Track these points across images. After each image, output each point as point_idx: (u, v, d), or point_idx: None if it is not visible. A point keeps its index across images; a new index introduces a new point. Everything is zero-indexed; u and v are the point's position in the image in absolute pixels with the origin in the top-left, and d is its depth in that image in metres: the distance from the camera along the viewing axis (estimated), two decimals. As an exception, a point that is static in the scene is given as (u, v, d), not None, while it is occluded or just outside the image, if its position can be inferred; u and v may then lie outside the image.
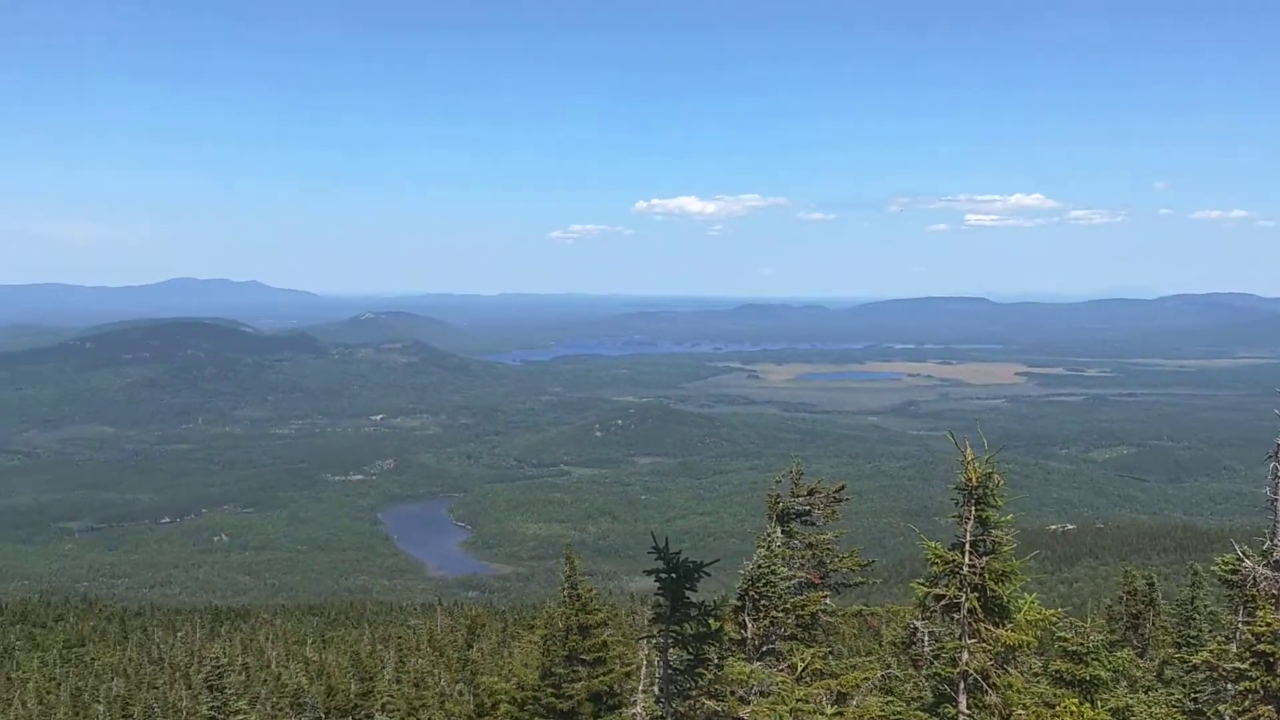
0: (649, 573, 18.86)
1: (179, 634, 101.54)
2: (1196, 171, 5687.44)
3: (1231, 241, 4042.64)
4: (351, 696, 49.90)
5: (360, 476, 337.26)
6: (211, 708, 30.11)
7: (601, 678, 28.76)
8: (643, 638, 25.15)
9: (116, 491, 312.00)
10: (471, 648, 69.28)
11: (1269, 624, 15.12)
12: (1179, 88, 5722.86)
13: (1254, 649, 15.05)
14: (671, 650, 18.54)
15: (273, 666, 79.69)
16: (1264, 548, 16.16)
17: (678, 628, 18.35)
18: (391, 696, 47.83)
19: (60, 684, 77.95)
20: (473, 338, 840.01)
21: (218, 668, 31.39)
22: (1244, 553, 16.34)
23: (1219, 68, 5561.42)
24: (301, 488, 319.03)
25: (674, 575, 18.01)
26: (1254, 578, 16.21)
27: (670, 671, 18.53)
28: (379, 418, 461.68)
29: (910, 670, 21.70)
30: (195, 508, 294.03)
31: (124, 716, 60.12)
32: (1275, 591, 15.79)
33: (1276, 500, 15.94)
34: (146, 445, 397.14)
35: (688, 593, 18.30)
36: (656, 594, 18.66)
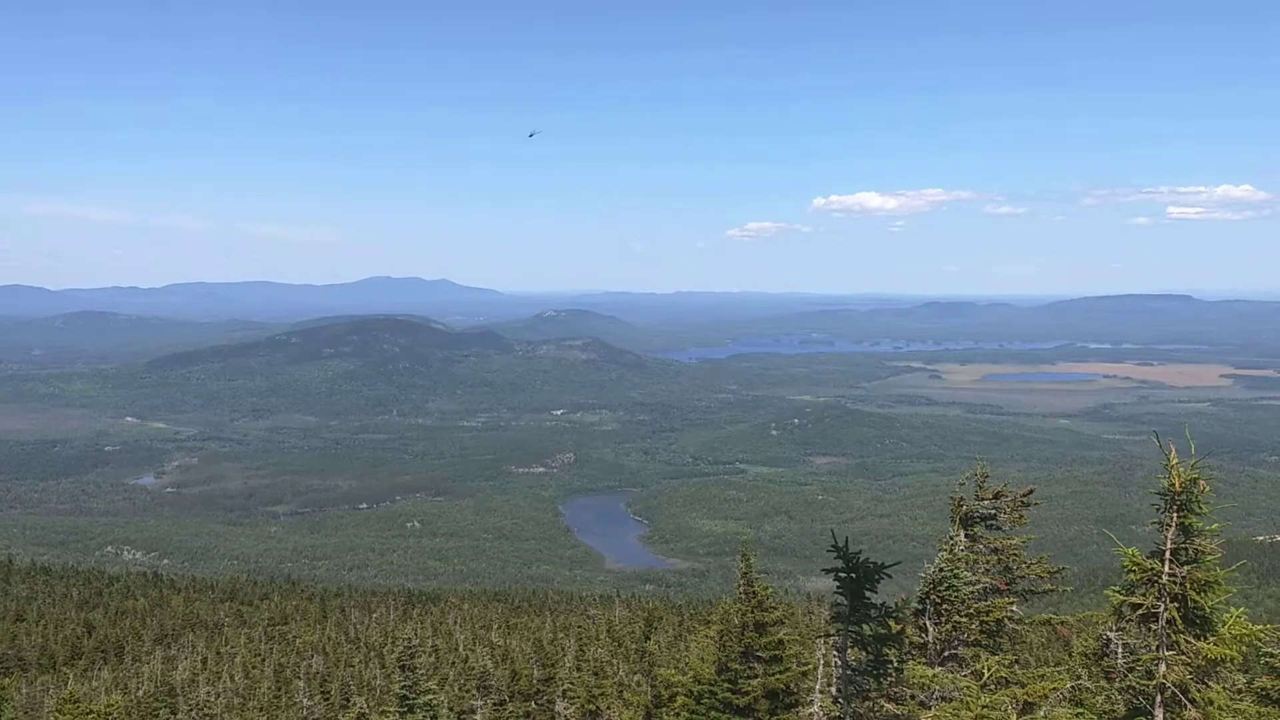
0: (828, 571, 18.89)
1: (374, 615, 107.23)
2: None
3: None
4: (534, 682, 51.51)
5: (542, 469, 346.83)
6: (403, 687, 31.13)
7: (778, 675, 28.83)
8: (820, 637, 25.11)
9: (318, 478, 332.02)
10: (649, 640, 70.22)
11: None
12: None
13: None
14: (850, 650, 18.50)
15: (460, 649, 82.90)
16: None
17: (857, 628, 18.29)
18: (572, 684, 48.96)
19: (265, 659, 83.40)
20: (650, 335, 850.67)
21: (410, 649, 32.23)
22: None
23: None
24: (488, 478, 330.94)
25: (854, 575, 17.98)
26: None
27: (849, 671, 18.50)
28: (560, 412, 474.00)
29: (1102, 682, 20.77)
30: (390, 495, 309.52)
31: (322, 693, 63.77)
32: None
33: None
34: (346, 435, 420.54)
35: (868, 593, 18.23)
36: (836, 593, 18.66)
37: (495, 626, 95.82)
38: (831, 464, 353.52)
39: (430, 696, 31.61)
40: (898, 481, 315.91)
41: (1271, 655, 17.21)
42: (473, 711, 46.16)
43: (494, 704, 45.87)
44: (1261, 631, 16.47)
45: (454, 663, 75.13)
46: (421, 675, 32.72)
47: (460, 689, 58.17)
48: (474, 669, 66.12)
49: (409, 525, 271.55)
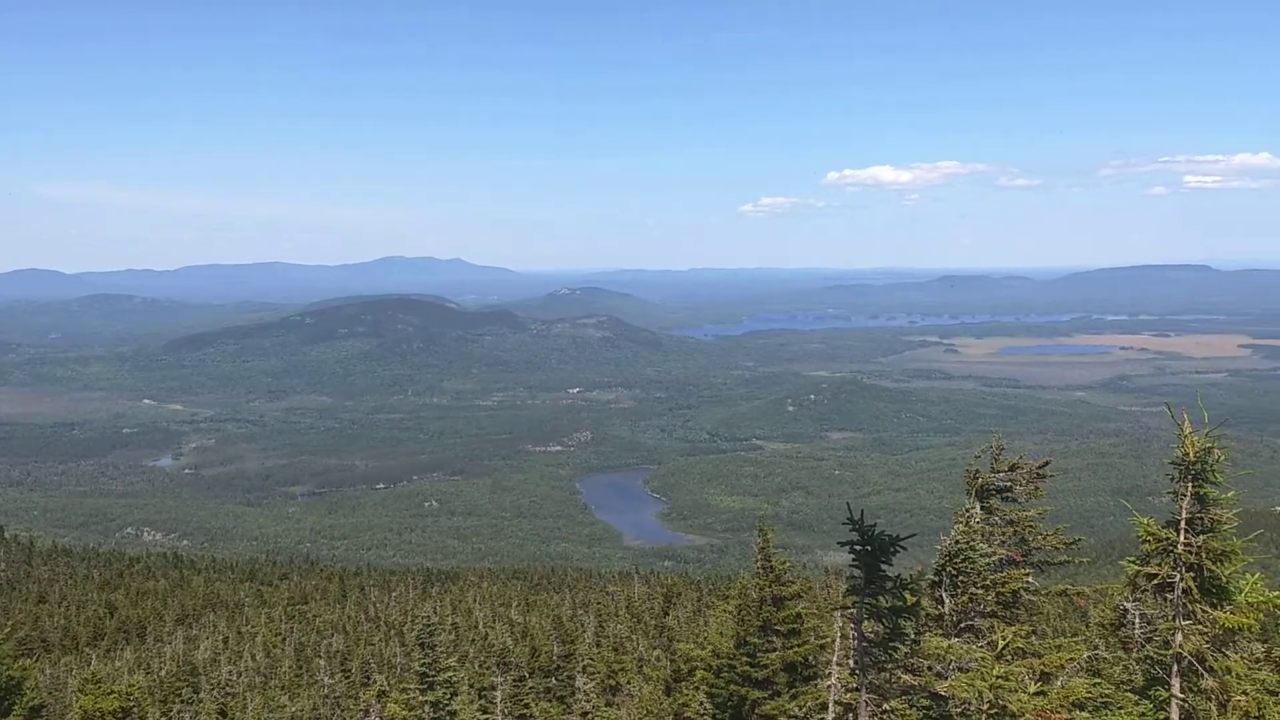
0: (844, 544, 18.90)
1: (393, 594, 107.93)
2: None
3: None
4: (554, 658, 51.85)
5: (559, 447, 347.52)
6: (423, 664, 31.36)
7: (796, 649, 28.96)
8: (837, 609, 25.17)
9: (335, 458, 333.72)
10: (668, 615, 70.56)
11: None
12: None
13: None
14: (866, 623, 18.55)
15: (480, 627, 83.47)
16: None
17: (873, 600, 18.33)
18: (592, 659, 49.27)
19: (285, 638, 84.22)
20: (665, 313, 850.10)
21: (429, 627, 32.41)
22: None
23: None
24: (504, 457, 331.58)
25: (869, 547, 18.00)
26: None
27: (865, 644, 18.56)
28: (575, 391, 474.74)
29: (1119, 652, 20.84)
30: (406, 474, 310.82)
31: (343, 671, 64.43)
32: None
33: None
34: (361, 415, 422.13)
35: (884, 566, 18.26)
36: (851, 566, 18.69)
37: (514, 604, 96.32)
38: (848, 439, 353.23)
39: (450, 673, 31.81)
40: (914, 455, 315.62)
41: (1291, 624, 17.23)
42: (493, 688, 46.46)
43: (514, 680, 46.18)
44: (1278, 598, 16.46)
45: (474, 640, 75.64)
46: (441, 653, 32.91)
47: (480, 666, 58.53)
48: (494, 646, 66.54)
49: (426, 505, 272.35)
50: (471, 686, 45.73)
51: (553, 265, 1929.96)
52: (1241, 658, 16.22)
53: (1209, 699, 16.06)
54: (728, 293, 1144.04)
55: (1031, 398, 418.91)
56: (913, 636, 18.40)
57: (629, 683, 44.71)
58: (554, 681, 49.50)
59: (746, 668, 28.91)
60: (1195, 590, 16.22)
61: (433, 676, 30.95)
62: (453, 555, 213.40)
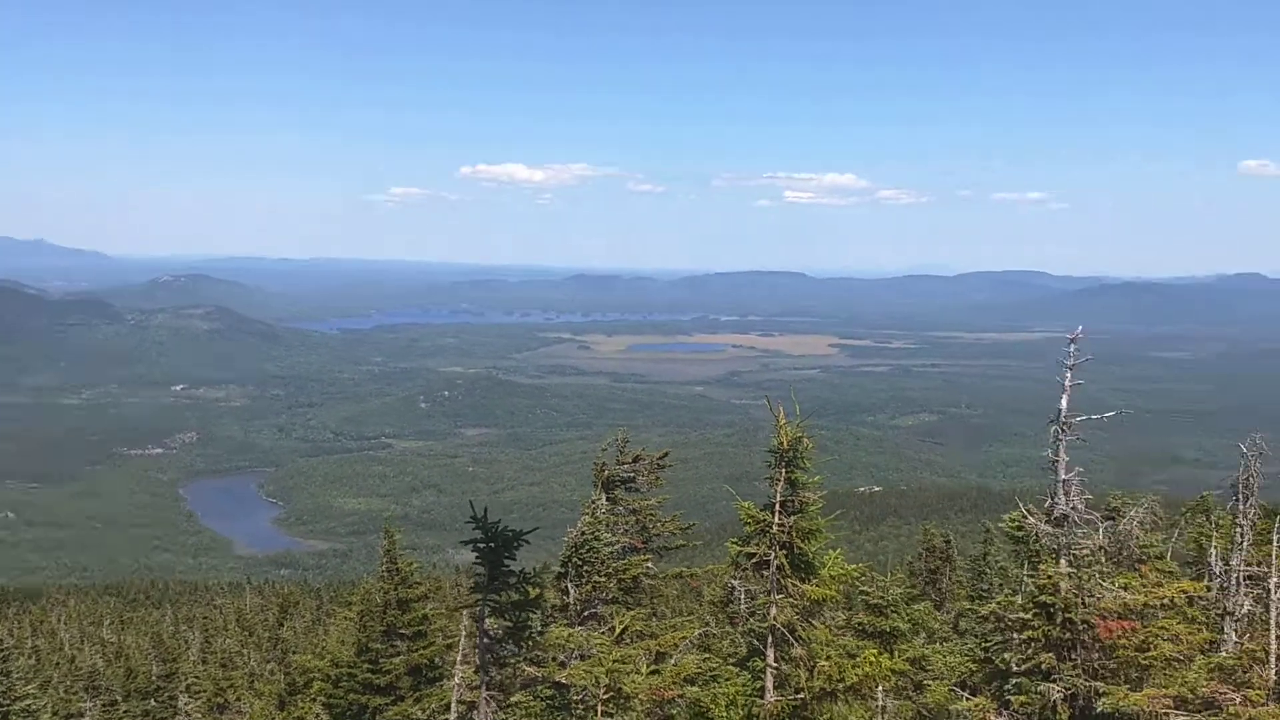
0: (466, 543, 18.73)
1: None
2: (997, 154, 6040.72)
3: (1026, 222, 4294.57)
4: (153, 678, 48.07)
5: (159, 450, 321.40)
6: (-4, 692, 28.77)
7: (421, 651, 28.42)
8: (462, 608, 24.98)
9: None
10: (283, 627, 67.22)
11: (1049, 576, 16.37)
12: (975, 71, 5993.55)
13: (1036, 600, 16.26)
14: (489, 619, 18.48)
15: (66, 649, 75.20)
16: (1045, 505, 17.42)
17: (496, 596, 18.29)
18: (197, 677, 46.29)
19: None
20: (284, 304, 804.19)
21: (3, 651, 30.17)
22: (1028, 510, 17.55)
23: (1016, 54, 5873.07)
24: (94, 461, 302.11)
25: (492, 544, 17.92)
26: (1036, 533, 17.49)
27: (488, 640, 18.47)
28: (180, 388, 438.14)
29: (728, 627, 22.47)
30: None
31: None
32: (1055, 546, 17.08)
33: (1057, 461, 17.20)
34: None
35: (507, 561, 18.26)
36: (475, 563, 18.58)
37: (107, 622, 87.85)
38: (483, 435, 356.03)
39: (29, 701, 29.55)
40: (548, 450, 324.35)
41: (866, 593, 19.37)
42: (80, 714, 42.22)
43: (105, 705, 41.99)
44: (854, 570, 18.47)
45: (58, 664, 67.93)
46: (18, 679, 30.57)
47: (66, 691, 53.02)
48: (82, 669, 60.33)
49: (1, 515, 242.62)
50: (55, 714, 42.17)
51: (153, 250, 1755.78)
52: (826, 626, 17.95)
53: (798, 666, 17.60)
54: (355, 284, 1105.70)
55: (657, 392, 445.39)
56: (538, 629, 18.59)
57: (239, 700, 41.99)
58: (153, 703, 45.93)
59: (368, 675, 27.98)
60: (787, 566, 17.72)
61: (7, 705, 28.67)
62: (33, 571, 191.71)
